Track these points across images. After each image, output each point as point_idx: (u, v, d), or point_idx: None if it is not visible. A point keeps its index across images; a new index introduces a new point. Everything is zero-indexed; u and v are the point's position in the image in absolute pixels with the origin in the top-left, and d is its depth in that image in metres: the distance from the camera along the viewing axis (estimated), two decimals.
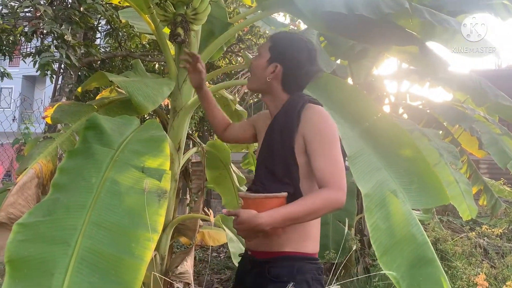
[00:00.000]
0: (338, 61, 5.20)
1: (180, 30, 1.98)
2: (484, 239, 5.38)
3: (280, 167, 1.51)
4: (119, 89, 2.58)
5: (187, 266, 2.53)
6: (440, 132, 4.57)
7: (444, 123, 4.95)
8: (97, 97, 2.59)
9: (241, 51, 7.79)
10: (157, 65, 7.73)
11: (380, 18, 2.15)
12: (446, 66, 3.34)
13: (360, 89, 4.84)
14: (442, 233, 4.59)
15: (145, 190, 1.52)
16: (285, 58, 1.59)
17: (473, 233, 5.09)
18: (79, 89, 2.65)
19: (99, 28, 7.63)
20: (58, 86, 6.66)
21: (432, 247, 1.74)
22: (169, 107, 2.70)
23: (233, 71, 6.56)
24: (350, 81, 5.13)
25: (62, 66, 6.42)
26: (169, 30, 2.07)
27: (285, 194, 1.44)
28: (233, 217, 1.40)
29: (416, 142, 2.16)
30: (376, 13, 2.09)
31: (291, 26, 7.50)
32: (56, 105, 2.05)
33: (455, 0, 2.79)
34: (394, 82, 5.74)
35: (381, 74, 5.76)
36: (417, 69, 4.41)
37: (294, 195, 1.45)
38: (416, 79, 5.34)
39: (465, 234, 5.28)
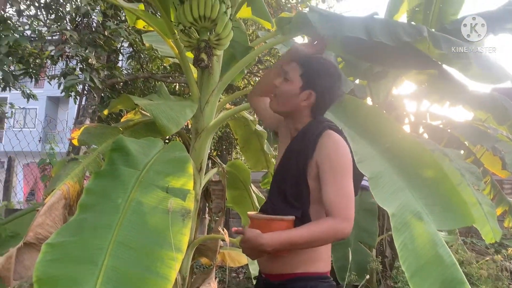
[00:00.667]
0: (357, 81, 5.21)
1: (203, 56, 2.04)
2: (510, 262, 5.23)
3: (291, 189, 1.54)
4: (143, 112, 2.64)
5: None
6: (462, 152, 4.51)
7: (466, 143, 4.88)
8: (122, 119, 2.66)
9: (260, 72, 7.90)
10: (177, 86, 7.90)
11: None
12: (465, 88, 3.33)
13: (379, 108, 4.84)
14: (466, 256, 4.48)
15: (169, 210, 1.55)
16: (318, 85, 1.60)
17: (499, 256, 4.95)
18: (105, 112, 2.72)
19: (122, 50, 7.86)
20: (82, 107, 6.85)
21: (460, 269, 1.72)
22: (190, 128, 2.75)
23: None
24: (369, 101, 5.12)
25: (86, 87, 6.61)
26: (193, 55, 2.12)
27: (292, 218, 1.46)
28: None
29: (437, 160, 2.15)
30: (395, 41, 2.11)
31: None
32: (83, 128, 2.12)
33: None
34: (414, 102, 5.70)
35: (401, 93, 5.74)
36: (438, 91, 4.39)
37: (301, 219, 1.47)
38: (436, 99, 5.31)
39: (491, 256, 5.14)
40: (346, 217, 1.40)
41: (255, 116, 3.52)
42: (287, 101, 1.65)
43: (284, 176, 1.59)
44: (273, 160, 3.89)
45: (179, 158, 1.90)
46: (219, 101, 2.72)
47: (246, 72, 3.96)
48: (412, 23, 4.72)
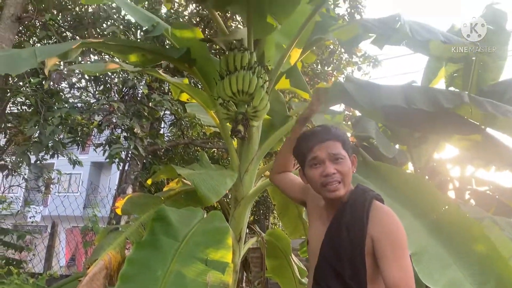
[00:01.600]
0: (397, 146, 5.15)
1: (240, 127, 2.10)
2: None
3: (348, 268, 1.45)
4: (185, 181, 2.70)
5: None
6: None
7: None
8: (165, 189, 2.73)
9: None
10: (215, 151, 8.07)
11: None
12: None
13: (421, 174, 4.72)
14: None
15: (208, 284, 1.53)
16: (351, 148, 1.63)
17: None
18: (149, 181, 2.80)
19: (164, 118, 8.20)
20: (124, 173, 7.07)
21: None
22: (230, 196, 2.77)
23: None
24: (410, 166, 5.02)
25: (129, 154, 6.87)
26: (231, 127, 2.19)
27: None
28: None
29: (487, 232, 2.04)
30: (435, 107, 2.10)
31: (346, 112, 7.64)
32: (127, 197, 2.18)
33: None
34: (457, 167, 5.54)
35: (443, 157, 5.60)
36: (482, 156, 4.26)
37: None
38: (481, 164, 5.14)
39: None
40: None
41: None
42: (350, 177, 1.59)
43: (338, 254, 1.48)
44: None
45: (218, 228, 1.90)
46: (258, 169, 2.75)
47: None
48: (451, 88, 4.73)
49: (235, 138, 2.62)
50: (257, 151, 2.63)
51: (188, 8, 7.74)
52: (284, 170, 1.99)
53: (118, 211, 2.14)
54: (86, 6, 6.21)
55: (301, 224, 3.85)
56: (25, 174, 7.30)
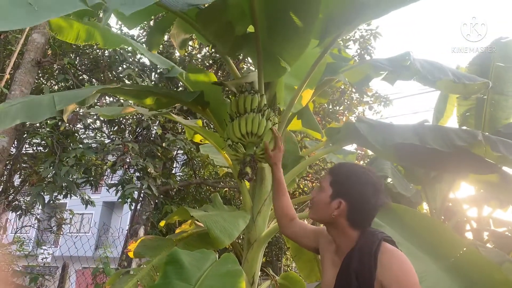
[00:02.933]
0: (411, 185, 5.08)
1: (248, 169, 2.10)
2: None
3: None
4: (197, 222, 2.68)
5: None
6: None
7: None
8: (177, 230, 2.71)
9: (309, 175, 7.94)
10: (227, 191, 8.05)
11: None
12: None
13: (437, 214, 4.63)
14: None
15: None
16: (349, 193, 1.52)
17: None
18: (162, 223, 2.79)
19: (177, 158, 8.27)
20: (136, 213, 7.06)
21: None
22: (243, 237, 2.73)
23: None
24: (425, 205, 4.93)
25: (141, 194, 6.88)
26: (238, 168, 2.20)
27: None
28: None
29: (509, 277, 1.97)
30: (449, 147, 2.10)
31: (359, 151, 7.62)
32: (140, 240, 2.17)
33: None
34: (474, 207, 5.42)
35: (458, 197, 5.49)
36: (499, 196, 4.18)
37: None
38: (497, 204, 5.03)
39: None
40: None
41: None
42: (320, 210, 1.59)
43: None
44: None
45: (231, 272, 1.86)
46: (271, 210, 2.72)
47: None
48: (464, 127, 4.71)
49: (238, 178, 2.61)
50: (269, 192, 2.61)
51: (202, 51, 7.96)
52: (290, 218, 1.92)
53: (131, 254, 2.13)
54: (102, 50, 6.42)
55: (316, 267, 3.76)
56: (37, 214, 7.33)
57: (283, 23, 2.10)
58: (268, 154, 2.07)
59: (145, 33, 7.09)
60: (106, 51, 6.37)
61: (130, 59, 6.12)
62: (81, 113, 5.52)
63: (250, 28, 2.28)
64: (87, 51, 6.65)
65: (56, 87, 6.88)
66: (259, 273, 2.79)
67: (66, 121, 5.01)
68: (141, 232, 6.19)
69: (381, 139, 2.30)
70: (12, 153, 6.86)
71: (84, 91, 2.09)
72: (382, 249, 1.43)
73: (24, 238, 7.53)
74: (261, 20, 2.10)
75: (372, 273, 1.38)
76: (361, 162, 7.72)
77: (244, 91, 2.25)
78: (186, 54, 7.26)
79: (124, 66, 5.91)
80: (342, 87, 7.90)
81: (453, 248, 1.99)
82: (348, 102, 8.22)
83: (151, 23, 6.24)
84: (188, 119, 4.75)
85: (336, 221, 1.54)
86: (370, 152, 8.57)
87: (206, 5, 2.07)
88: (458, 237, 2.08)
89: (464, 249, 2.03)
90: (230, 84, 2.31)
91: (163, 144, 5.84)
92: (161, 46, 7.32)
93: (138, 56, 6.41)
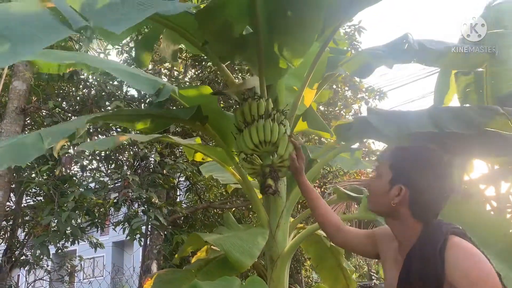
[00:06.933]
0: None
1: (270, 181, 1.92)
2: None
3: None
4: (213, 247, 2.50)
5: None
6: None
7: None
8: (193, 260, 2.52)
9: (317, 181, 7.75)
10: (235, 210, 7.85)
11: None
12: None
13: (454, 198, 4.45)
14: None
15: None
16: (411, 178, 1.31)
17: None
18: (176, 256, 2.61)
19: (179, 185, 8.08)
20: (147, 248, 6.85)
21: None
22: (264, 255, 2.55)
23: None
24: None
25: (149, 227, 6.69)
26: (259, 183, 2.03)
27: None
28: None
29: None
30: (470, 128, 1.93)
31: (363, 148, 7.46)
32: (155, 276, 1.98)
33: None
34: (491, 186, 5.25)
35: (473, 178, 5.33)
36: None
37: None
38: None
39: None
40: None
41: None
42: (378, 199, 1.40)
43: None
44: (353, 277, 3.51)
45: None
46: (290, 222, 2.54)
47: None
48: (467, 105, 4.57)
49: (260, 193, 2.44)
50: (285, 203, 2.44)
51: (188, 74, 7.85)
52: (335, 225, 1.70)
53: None
54: (88, 89, 6.29)
55: (341, 273, 3.56)
56: (47, 266, 7.11)
57: (285, 17, 1.97)
58: (295, 165, 1.91)
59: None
60: (92, 89, 6.23)
61: (117, 93, 5.98)
62: (75, 154, 5.36)
63: (247, 30, 2.16)
64: (72, 92, 6.52)
65: None
66: None
67: (59, 162, 4.84)
68: (154, 267, 5.97)
69: (396, 128, 2.14)
70: (12, 207, 6.68)
71: (73, 124, 1.93)
72: (449, 244, 1.21)
73: None
74: (261, 16, 1.97)
75: (439, 275, 1.17)
76: (366, 159, 7.54)
77: (247, 98, 2.10)
78: (173, 79, 7.15)
79: (112, 99, 5.77)
80: (334, 86, 7.78)
81: (499, 233, 1.82)
82: (343, 100, 8.10)
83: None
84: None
85: (396, 211, 1.34)
86: (373, 148, 8.42)
87: (206, 4, 1.94)
88: (502, 221, 1.91)
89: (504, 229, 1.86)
90: (230, 91, 2.17)
91: (164, 171, 5.66)
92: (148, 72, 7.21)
93: (125, 88, 6.28)
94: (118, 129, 5.98)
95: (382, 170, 1.40)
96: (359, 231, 1.68)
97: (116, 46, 6.54)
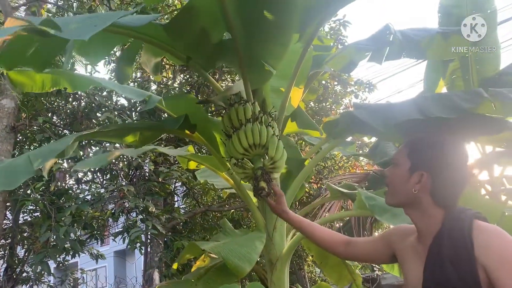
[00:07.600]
0: None
1: (263, 184, 1.92)
2: None
3: None
4: (212, 255, 2.51)
5: None
6: None
7: None
8: (193, 269, 2.52)
9: (313, 177, 7.76)
10: (233, 212, 7.85)
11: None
12: None
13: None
14: None
15: None
16: (432, 164, 1.31)
17: None
18: (175, 266, 2.61)
19: (176, 191, 8.07)
20: (148, 256, 6.84)
21: None
22: (263, 258, 2.56)
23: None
24: None
25: (149, 236, 6.68)
26: (252, 186, 2.03)
27: None
28: None
29: None
30: (455, 112, 1.94)
31: (357, 141, 7.48)
32: None
33: None
34: (483, 170, 5.28)
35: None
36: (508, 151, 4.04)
37: None
38: (507, 161, 4.89)
39: None
40: None
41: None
42: (398, 189, 1.39)
43: None
44: (357, 271, 3.52)
45: None
46: (287, 223, 2.55)
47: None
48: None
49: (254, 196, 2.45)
50: None
51: (177, 79, 7.83)
52: (343, 243, 1.65)
53: None
54: (78, 101, 6.26)
55: (345, 269, 3.57)
56: (49, 281, 7.08)
57: (260, 21, 1.95)
58: (270, 205, 1.84)
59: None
60: (82, 102, 6.21)
61: (107, 103, 5.96)
62: (68, 169, 5.34)
63: (227, 35, 2.13)
64: (62, 106, 6.49)
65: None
66: None
67: (53, 178, 4.83)
68: (156, 276, 5.96)
69: (382, 120, 2.15)
70: (10, 225, 6.64)
71: (61, 143, 1.92)
72: (475, 227, 1.22)
73: None
74: (236, 23, 1.95)
75: (471, 257, 1.18)
76: (361, 152, 7.57)
77: (233, 104, 2.10)
78: (162, 85, 7.13)
79: (103, 110, 5.75)
80: (323, 82, 7.80)
81: (494, 213, 1.84)
82: (333, 95, 8.12)
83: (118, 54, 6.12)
84: (181, 146, 4.58)
85: (418, 199, 1.34)
86: (366, 140, 8.44)
87: (175, 15, 1.91)
88: (495, 202, 1.93)
89: (506, 213, 1.88)
90: (216, 99, 2.16)
91: (159, 179, 5.66)
92: (135, 82, 7.20)
93: (115, 98, 6.26)
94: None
95: (399, 160, 1.40)
96: (368, 238, 1.68)
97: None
